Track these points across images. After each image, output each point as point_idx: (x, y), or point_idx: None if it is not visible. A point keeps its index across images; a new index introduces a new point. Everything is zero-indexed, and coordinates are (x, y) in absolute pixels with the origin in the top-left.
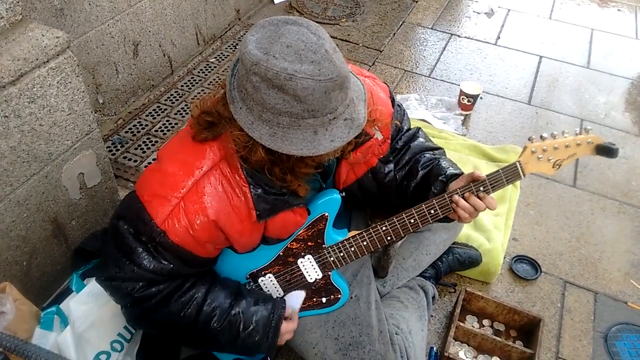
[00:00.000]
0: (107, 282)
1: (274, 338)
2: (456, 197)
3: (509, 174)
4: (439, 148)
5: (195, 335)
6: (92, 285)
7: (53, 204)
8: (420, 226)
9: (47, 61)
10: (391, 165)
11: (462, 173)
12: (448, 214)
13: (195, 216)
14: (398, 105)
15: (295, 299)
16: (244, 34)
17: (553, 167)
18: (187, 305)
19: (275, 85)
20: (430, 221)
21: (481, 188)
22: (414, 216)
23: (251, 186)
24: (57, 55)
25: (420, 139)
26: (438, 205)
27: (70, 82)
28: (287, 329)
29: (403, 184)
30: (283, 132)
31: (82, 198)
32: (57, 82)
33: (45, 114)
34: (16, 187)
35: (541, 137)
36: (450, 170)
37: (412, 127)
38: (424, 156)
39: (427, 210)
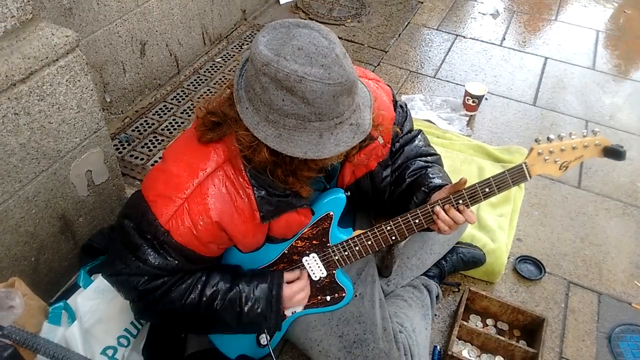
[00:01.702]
0: (113, 277)
1: (277, 305)
2: (437, 209)
3: (515, 176)
4: (434, 154)
5: (200, 320)
6: (99, 281)
7: (61, 200)
8: (425, 226)
9: (57, 59)
10: (389, 170)
11: (448, 184)
12: (430, 225)
13: (198, 217)
14: (401, 106)
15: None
16: (250, 34)
17: (560, 169)
18: (189, 290)
19: (285, 86)
20: (425, 226)
21: (460, 201)
22: (419, 216)
23: (255, 188)
24: (67, 53)
25: (417, 143)
26: (422, 215)
27: (79, 81)
28: (291, 290)
29: (391, 188)
30: (288, 134)
31: (90, 195)
32: (66, 81)
33: (54, 111)
34: (25, 184)
35: (548, 138)
36: (435, 181)
37: (414, 128)
38: (415, 163)
39: (412, 219)
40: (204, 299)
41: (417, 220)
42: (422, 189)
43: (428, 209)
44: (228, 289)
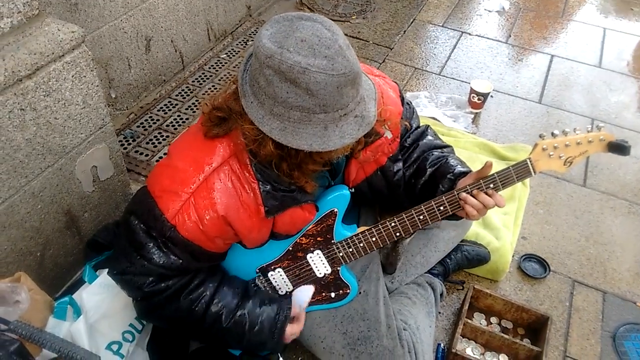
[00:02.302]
0: (118, 276)
1: (279, 337)
2: (464, 195)
3: (519, 171)
4: (447, 146)
5: (202, 331)
6: (104, 277)
7: (67, 196)
8: (429, 223)
9: (63, 55)
10: (400, 164)
11: (471, 171)
12: (456, 212)
13: (205, 211)
14: (407, 103)
15: (304, 293)
16: (255, 30)
17: (564, 165)
18: (195, 303)
19: (288, 78)
20: (439, 218)
21: (491, 185)
22: (423, 213)
23: (260, 182)
24: (73, 49)
25: (429, 137)
26: (447, 202)
27: (85, 76)
28: (292, 330)
29: (411, 181)
30: (293, 127)
31: (95, 191)
32: (72, 76)
33: (60, 107)
34: (31, 179)
35: (552, 134)
36: (459, 168)
37: (421, 124)
38: (432, 154)
39: (436, 207)
40: (209, 313)
41: (442, 207)
42: (448, 176)
43: (455, 195)
44: (234, 309)
